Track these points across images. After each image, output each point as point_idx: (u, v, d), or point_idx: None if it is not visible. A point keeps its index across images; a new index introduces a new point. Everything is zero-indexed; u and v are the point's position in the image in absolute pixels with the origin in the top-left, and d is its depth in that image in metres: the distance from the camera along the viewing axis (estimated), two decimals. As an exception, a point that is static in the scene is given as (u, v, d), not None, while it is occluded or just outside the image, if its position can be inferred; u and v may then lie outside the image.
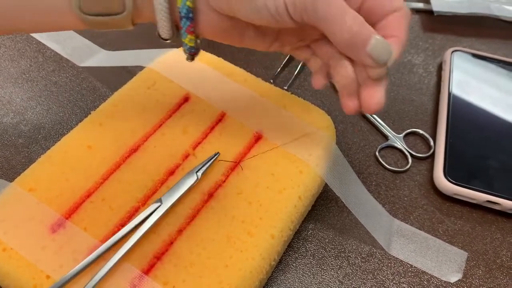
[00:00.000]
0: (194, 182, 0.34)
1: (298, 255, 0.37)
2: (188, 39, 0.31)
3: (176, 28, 0.31)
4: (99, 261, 0.30)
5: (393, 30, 0.30)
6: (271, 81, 0.48)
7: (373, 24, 0.30)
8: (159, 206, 0.32)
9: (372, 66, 0.29)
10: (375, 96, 0.31)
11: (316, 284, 0.36)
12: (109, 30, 0.32)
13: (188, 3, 0.28)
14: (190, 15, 0.29)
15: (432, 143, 0.45)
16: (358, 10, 0.30)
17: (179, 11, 0.29)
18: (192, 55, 0.32)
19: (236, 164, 0.36)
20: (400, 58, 0.29)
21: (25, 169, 0.35)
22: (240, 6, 0.28)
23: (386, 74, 0.31)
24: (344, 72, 0.31)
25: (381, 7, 0.30)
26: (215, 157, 0.36)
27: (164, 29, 0.30)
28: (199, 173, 0.34)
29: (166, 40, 0.31)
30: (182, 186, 0.34)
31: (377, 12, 0.31)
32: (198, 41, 0.32)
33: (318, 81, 0.34)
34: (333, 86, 0.49)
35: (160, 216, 0.32)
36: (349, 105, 0.32)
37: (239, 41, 0.32)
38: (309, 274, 0.37)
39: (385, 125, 0.46)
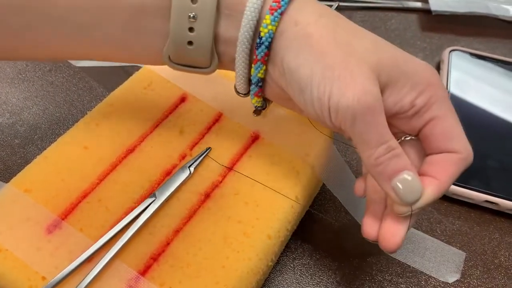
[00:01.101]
0: (187, 177, 0.34)
1: (296, 256, 0.37)
2: (255, 101, 0.33)
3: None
4: (94, 260, 0.30)
5: (437, 171, 0.29)
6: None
7: (426, 154, 0.30)
8: (153, 201, 0.32)
9: (396, 202, 0.28)
10: (392, 233, 0.29)
11: (313, 285, 0.36)
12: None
13: (259, 74, 0.30)
14: (260, 84, 0.31)
15: (430, 143, 0.45)
16: (418, 131, 0.30)
17: (251, 78, 0.31)
18: (258, 112, 0.35)
19: (230, 169, 0.36)
20: (433, 202, 0.29)
21: (21, 169, 0.34)
22: (293, 94, 0.29)
23: (412, 215, 0.29)
24: (376, 186, 0.30)
25: (437, 142, 0.29)
26: (207, 152, 0.36)
27: (241, 88, 0.32)
28: (192, 168, 0.35)
29: (240, 94, 0.33)
30: (175, 181, 0.34)
31: (432, 145, 0.29)
32: (265, 102, 0.33)
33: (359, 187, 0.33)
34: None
35: (154, 211, 0.32)
36: (368, 229, 0.31)
37: (300, 112, 0.33)
38: (307, 274, 0.36)
39: (383, 125, 0.46)
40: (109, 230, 0.32)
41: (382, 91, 0.28)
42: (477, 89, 0.48)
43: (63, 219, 0.32)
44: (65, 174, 0.34)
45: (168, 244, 0.32)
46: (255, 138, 0.38)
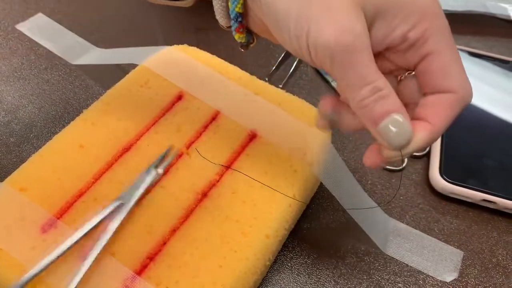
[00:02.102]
0: (154, 179, 0.34)
1: (293, 255, 0.37)
2: (237, 37, 0.31)
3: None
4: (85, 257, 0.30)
5: (430, 114, 0.26)
6: (266, 79, 0.48)
7: (423, 94, 0.27)
8: (120, 205, 0.32)
9: (384, 146, 0.26)
10: (373, 158, 0.28)
11: (311, 284, 0.36)
12: (102, 27, 0.31)
13: (237, 9, 0.28)
14: (239, 19, 0.29)
15: (428, 141, 0.45)
16: (414, 67, 0.27)
17: (229, 13, 0.29)
18: (244, 47, 0.32)
19: (227, 168, 0.35)
20: (425, 148, 0.26)
21: (16, 168, 0.34)
22: (272, 29, 0.28)
23: (401, 160, 0.27)
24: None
25: (432, 80, 0.27)
26: (167, 152, 0.35)
27: (222, 21, 0.30)
28: (160, 169, 0.34)
29: (224, 27, 0.31)
30: (142, 183, 0.33)
31: (427, 83, 0.27)
32: (249, 37, 0.31)
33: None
34: (330, 86, 0.49)
35: (125, 217, 0.32)
36: (367, 155, 0.29)
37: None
38: (304, 274, 0.36)
39: (380, 123, 0.46)
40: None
41: (371, 24, 0.26)
42: (475, 88, 0.47)
43: (58, 218, 0.32)
44: (61, 173, 0.34)
45: (164, 243, 0.32)
46: (252, 136, 0.37)
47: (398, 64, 0.28)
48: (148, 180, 0.33)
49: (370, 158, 0.28)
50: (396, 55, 0.28)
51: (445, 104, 0.26)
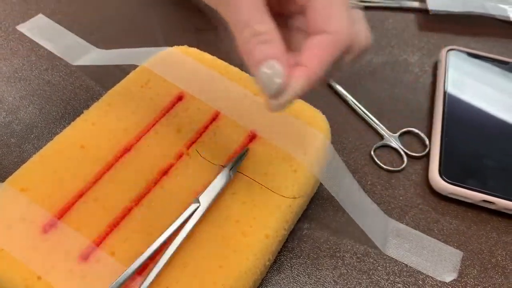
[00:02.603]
0: (228, 180, 0.34)
1: (293, 255, 0.37)
2: None
3: None
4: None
5: (307, 58, 0.25)
6: (266, 80, 0.48)
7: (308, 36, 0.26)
8: (197, 207, 0.32)
9: (262, 93, 0.26)
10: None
11: (311, 284, 0.36)
12: (103, 28, 0.31)
13: None
14: None
15: (427, 142, 0.45)
16: (298, 11, 0.27)
17: None
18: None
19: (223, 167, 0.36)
20: (298, 95, 0.26)
21: (17, 168, 0.34)
22: None
23: (277, 106, 0.26)
24: None
25: (313, 22, 0.26)
26: (245, 152, 0.35)
27: None
28: (231, 172, 0.34)
29: None
30: (217, 185, 0.34)
31: (309, 25, 0.26)
32: None
33: None
34: (328, 85, 0.49)
35: (200, 217, 0.32)
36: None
37: None
38: (304, 274, 0.36)
39: (380, 124, 0.46)
40: (105, 229, 0.32)
41: None
42: (474, 89, 0.48)
43: (59, 218, 0.32)
44: (62, 173, 0.34)
45: (165, 243, 0.32)
46: (252, 137, 0.38)
47: (290, 9, 0.28)
48: (222, 182, 0.34)
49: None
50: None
51: (321, 45, 0.25)
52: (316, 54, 0.25)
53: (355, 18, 0.27)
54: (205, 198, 0.33)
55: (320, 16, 0.26)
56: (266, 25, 0.25)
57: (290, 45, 0.27)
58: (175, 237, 0.31)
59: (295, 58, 0.26)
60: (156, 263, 0.30)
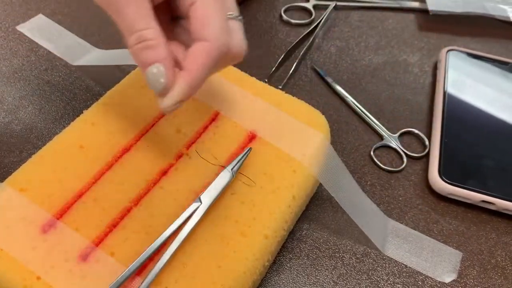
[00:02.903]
0: (230, 180, 0.34)
1: (292, 256, 0.37)
2: None
3: None
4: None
5: (188, 63, 0.28)
6: (266, 80, 0.48)
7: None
8: (199, 206, 0.32)
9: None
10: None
11: (310, 284, 0.36)
12: (103, 28, 0.32)
13: None
14: None
15: (427, 142, 0.45)
16: (184, 15, 0.29)
17: None
18: None
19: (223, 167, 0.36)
20: (187, 97, 0.29)
21: (17, 169, 0.34)
22: None
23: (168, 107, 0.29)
24: None
25: (193, 29, 0.28)
26: (247, 152, 0.35)
27: None
28: (234, 171, 0.34)
29: None
30: (219, 184, 0.34)
31: (191, 31, 0.29)
32: None
33: None
34: (330, 87, 0.49)
35: (202, 216, 0.32)
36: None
37: None
38: (303, 274, 0.36)
39: (380, 124, 0.46)
40: (105, 229, 0.32)
41: None
42: (474, 89, 0.48)
43: (58, 218, 0.32)
44: (61, 174, 0.34)
45: (164, 244, 0.32)
46: (252, 137, 0.38)
47: (178, 13, 0.30)
48: (224, 181, 0.34)
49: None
50: (176, 4, 0.29)
51: (201, 52, 0.28)
52: (195, 60, 0.28)
53: (232, 28, 0.30)
54: (207, 198, 0.33)
55: (200, 24, 0.28)
56: (151, 31, 0.27)
57: (179, 39, 0.31)
58: (174, 237, 0.31)
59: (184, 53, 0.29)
60: (156, 263, 0.30)
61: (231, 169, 0.34)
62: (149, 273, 0.29)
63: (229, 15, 0.30)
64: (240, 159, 0.35)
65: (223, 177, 0.34)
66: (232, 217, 0.33)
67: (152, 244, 0.31)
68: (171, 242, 0.31)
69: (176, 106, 0.29)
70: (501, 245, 0.39)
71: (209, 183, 0.34)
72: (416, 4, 0.59)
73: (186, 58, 0.28)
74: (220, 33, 0.28)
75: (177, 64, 0.29)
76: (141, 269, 0.30)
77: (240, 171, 0.35)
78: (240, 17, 0.31)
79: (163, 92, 0.28)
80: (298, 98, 0.41)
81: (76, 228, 0.32)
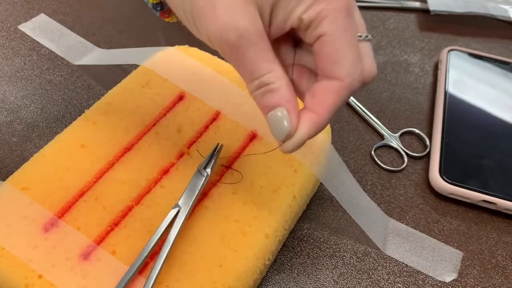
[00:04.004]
0: (205, 179, 0.33)
1: (293, 255, 0.37)
2: (167, 20, 0.32)
3: None
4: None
5: (316, 104, 0.26)
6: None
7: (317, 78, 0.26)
8: (178, 211, 0.32)
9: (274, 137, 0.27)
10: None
11: (311, 283, 0.36)
12: (104, 28, 0.32)
13: (151, 0, 0.29)
14: (158, 8, 0.30)
15: (428, 142, 0.45)
16: (312, 43, 0.26)
17: None
18: (160, 11, 0.32)
19: (228, 168, 0.36)
20: (306, 139, 0.26)
21: (19, 168, 0.34)
22: (182, 20, 0.28)
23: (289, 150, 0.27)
24: None
25: (322, 65, 0.25)
26: (218, 148, 0.35)
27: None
28: (208, 169, 0.34)
29: None
30: (195, 186, 0.33)
31: (318, 67, 0.26)
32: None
33: None
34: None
35: (184, 221, 0.32)
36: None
37: None
38: (304, 273, 0.36)
39: (381, 124, 0.46)
40: (106, 228, 0.32)
41: (272, 11, 0.25)
42: (475, 89, 0.48)
43: (60, 217, 0.32)
44: (63, 173, 0.34)
45: (163, 241, 0.32)
46: (252, 137, 0.38)
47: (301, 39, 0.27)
48: (200, 182, 0.33)
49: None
50: (302, 35, 0.27)
51: (330, 91, 0.25)
52: (324, 101, 0.25)
53: (363, 53, 0.26)
54: (185, 200, 0.32)
55: (329, 62, 0.25)
56: (271, 74, 0.25)
57: (303, 60, 0.28)
58: (173, 236, 0.31)
59: (307, 85, 0.27)
60: (156, 261, 0.30)
61: (203, 169, 0.34)
62: (151, 273, 0.29)
63: (359, 37, 0.26)
64: (211, 157, 0.34)
65: (198, 178, 0.33)
66: (233, 216, 0.33)
67: (148, 242, 0.31)
68: (169, 241, 0.31)
69: (298, 148, 0.26)
70: (502, 245, 0.39)
71: (210, 182, 0.35)
72: (417, 4, 0.59)
73: (312, 97, 0.26)
74: (353, 70, 0.25)
75: (298, 93, 0.27)
76: (143, 268, 0.30)
77: (241, 170, 0.35)
78: (370, 36, 0.27)
79: (287, 136, 0.26)
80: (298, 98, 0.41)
81: (78, 226, 0.32)
